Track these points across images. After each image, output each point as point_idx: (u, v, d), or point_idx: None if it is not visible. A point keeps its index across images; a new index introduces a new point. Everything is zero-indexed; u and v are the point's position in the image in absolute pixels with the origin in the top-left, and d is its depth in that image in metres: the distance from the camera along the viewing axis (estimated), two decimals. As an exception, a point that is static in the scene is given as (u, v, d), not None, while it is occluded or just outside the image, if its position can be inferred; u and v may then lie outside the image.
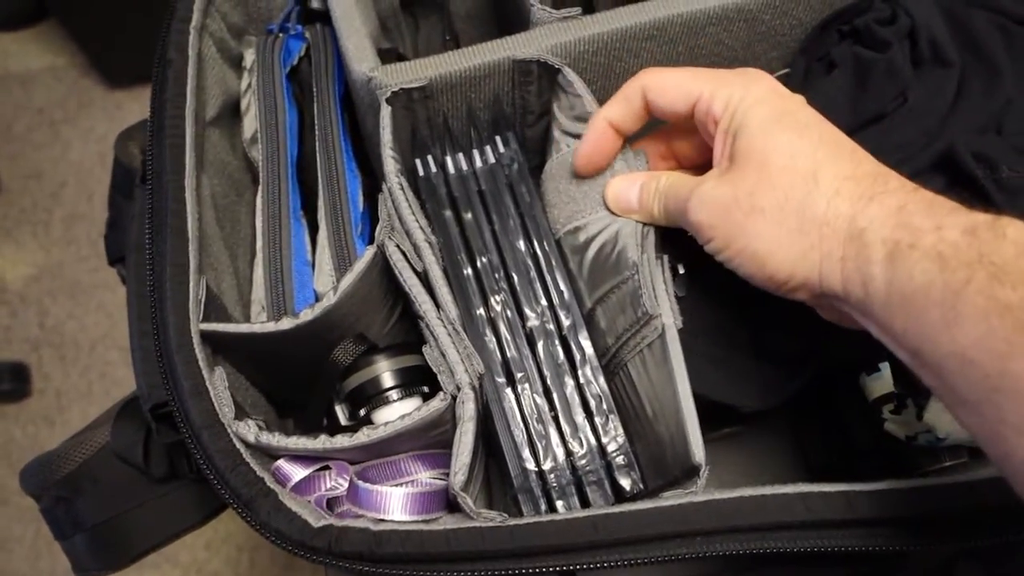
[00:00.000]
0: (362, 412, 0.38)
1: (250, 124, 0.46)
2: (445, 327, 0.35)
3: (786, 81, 0.45)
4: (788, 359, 0.42)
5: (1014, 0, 0.42)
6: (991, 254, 0.26)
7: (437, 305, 0.36)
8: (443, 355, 0.35)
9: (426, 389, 0.39)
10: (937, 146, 0.39)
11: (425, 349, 0.36)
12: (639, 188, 0.37)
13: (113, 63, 1.45)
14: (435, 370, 0.35)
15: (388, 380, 0.38)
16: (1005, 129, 0.40)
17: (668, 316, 0.35)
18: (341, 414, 0.40)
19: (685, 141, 0.39)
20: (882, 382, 0.38)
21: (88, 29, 1.37)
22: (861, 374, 0.39)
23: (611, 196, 0.38)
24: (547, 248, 0.39)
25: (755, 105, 0.33)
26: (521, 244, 0.39)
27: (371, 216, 0.44)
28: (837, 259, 0.30)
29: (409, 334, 0.43)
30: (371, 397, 0.38)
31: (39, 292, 1.37)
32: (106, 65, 1.46)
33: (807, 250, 0.31)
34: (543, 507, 0.36)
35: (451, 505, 0.37)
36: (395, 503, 0.34)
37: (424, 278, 0.36)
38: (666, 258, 0.38)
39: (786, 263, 0.32)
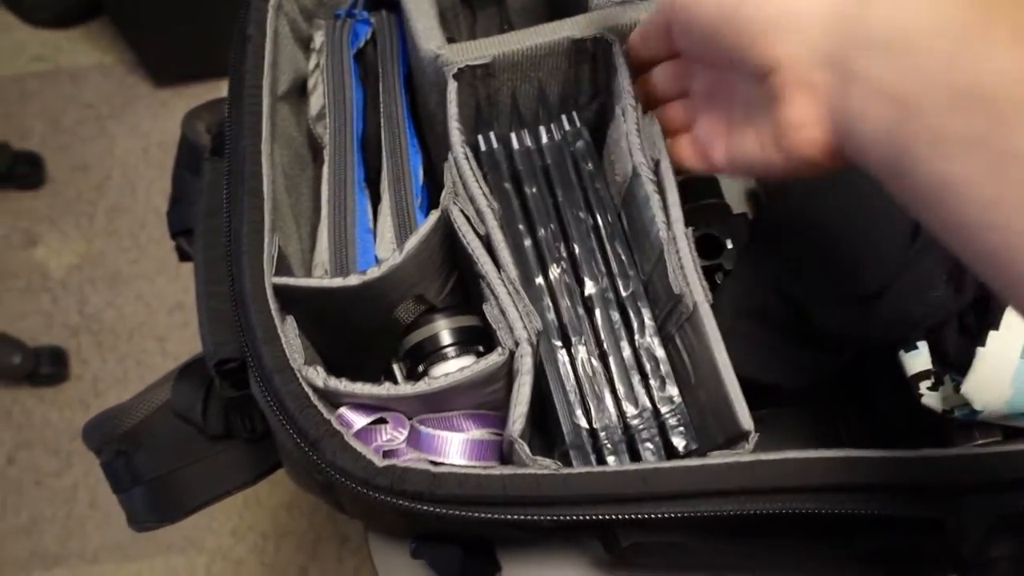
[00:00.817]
0: (420, 368, 0.40)
1: (317, 101, 0.48)
2: (505, 286, 0.37)
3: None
4: (829, 340, 0.43)
5: None
6: None
7: (498, 266, 0.38)
8: (503, 313, 0.37)
9: (481, 348, 0.41)
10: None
11: (485, 307, 0.38)
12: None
13: (159, 62, 1.50)
14: (494, 326, 0.37)
15: (446, 337, 0.40)
16: None
17: (699, 294, 0.37)
18: (399, 372, 0.42)
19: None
20: (921, 359, 0.40)
21: (137, 29, 1.42)
22: (899, 351, 0.41)
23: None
24: (610, 220, 0.41)
25: None
26: (583, 215, 0.41)
27: (429, 192, 0.46)
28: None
29: (464, 303, 0.45)
30: (429, 353, 0.40)
31: (80, 280, 1.40)
32: (153, 64, 1.51)
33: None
34: (593, 462, 0.37)
35: (503, 459, 0.39)
36: (454, 447, 0.35)
37: (486, 241, 0.38)
38: (691, 231, 0.40)
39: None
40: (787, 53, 0.29)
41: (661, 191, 0.39)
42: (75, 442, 1.29)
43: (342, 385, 0.36)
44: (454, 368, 0.37)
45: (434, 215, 0.39)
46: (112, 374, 1.34)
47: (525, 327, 0.36)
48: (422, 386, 0.36)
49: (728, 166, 0.36)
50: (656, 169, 0.39)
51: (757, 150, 0.33)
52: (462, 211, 0.39)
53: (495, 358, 0.36)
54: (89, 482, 1.26)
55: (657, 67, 0.41)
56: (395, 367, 0.42)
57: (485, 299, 0.38)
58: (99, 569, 1.20)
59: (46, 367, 1.31)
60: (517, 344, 0.36)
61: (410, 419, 0.39)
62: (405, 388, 0.36)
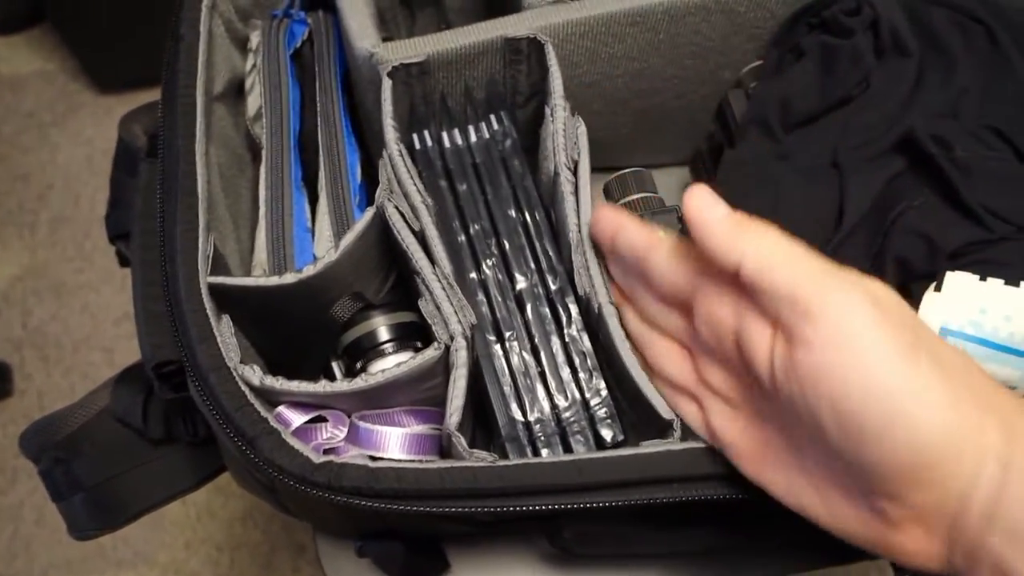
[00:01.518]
0: (358, 365, 0.41)
1: (254, 102, 0.48)
2: (440, 281, 0.37)
3: (760, 72, 0.49)
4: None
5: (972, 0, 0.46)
6: None
7: (432, 262, 0.38)
8: (438, 308, 0.37)
9: (419, 344, 0.41)
10: (897, 129, 0.42)
11: (420, 303, 0.38)
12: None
13: (103, 69, 1.48)
14: (430, 322, 0.37)
15: (384, 334, 0.40)
16: (960, 115, 0.43)
17: (603, 296, 0.38)
18: (337, 370, 0.42)
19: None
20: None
21: (80, 35, 1.39)
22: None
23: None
24: (537, 218, 0.41)
25: None
26: (512, 212, 0.41)
27: (368, 190, 0.46)
28: None
29: (402, 302, 0.46)
30: (367, 350, 0.40)
31: (23, 292, 1.37)
32: (96, 71, 1.48)
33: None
34: (529, 454, 0.38)
35: (443, 452, 0.39)
36: (392, 442, 0.36)
37: (420, 237, 0.39)
38: None
39: None
40: (937, 495, 0.26)
41: (576, 192, 0.39)
42: (20, 459, 1.25)
43: (279, 383, 0.36)
44: (391, 364, 0.38)
45: (369, 212, 0.39)
46: (58, 388, 1.31)
47: (459, 321, 0.36)
48: (359, 382, 0.36)
49: (756, 480, 0.33)
50: (574, 170, 0.40)
51: (818, 506, 0.30)
52: (397, 208, 0.39)
53: (431, 352, 0.36)
54: (35, 500, 1.23)
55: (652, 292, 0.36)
56: (334, 365, 0.42)
57: (420, 295, 0.38)
58: (47, 588, 1.17)
59: (-12, 382, 1.27)
60: (452, 338, 0.36)
61: (350, 416, 0.39)
62: (342, 385, 0.36)
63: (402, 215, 0.39)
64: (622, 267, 0.37)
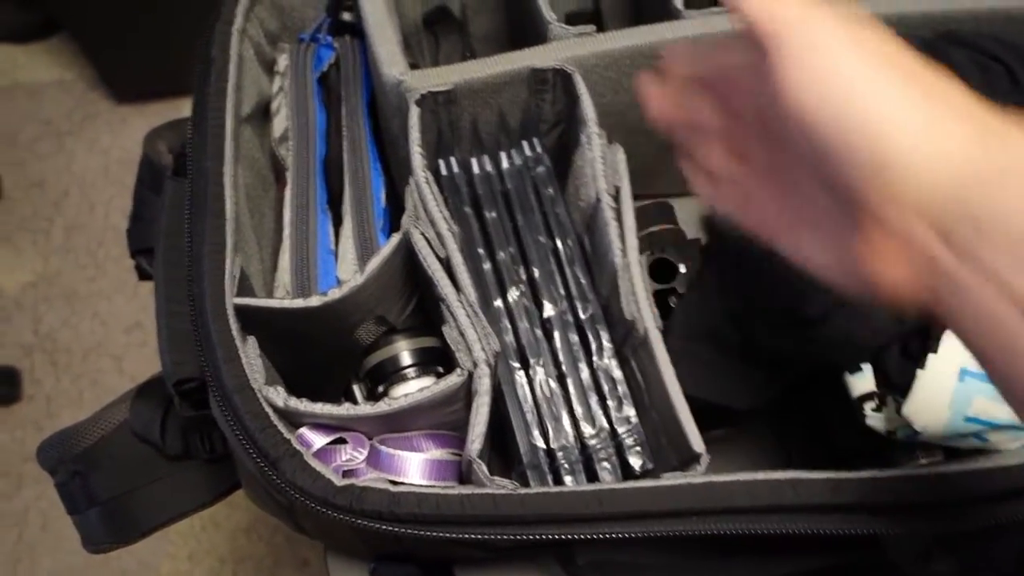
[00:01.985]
0: (380, 388, 0.41)
1: (280, 124, 0.49)
2: (464, 308, 0.38)
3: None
4: (776, 362, 0.45)
5: (992, 40, 0.46)
6: None
7: (457, 289, 0.38)
8: (462, 335, 0.37)
9: (440, 370, 0.42)
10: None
11: (444, 329, 0.38)
12: None
13: (120, 79, 1.49)
14: (453, 348, 0.37)
15: (406, 359, 0.41)
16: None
17: (649, 320, 0.38)
18: (359, 393, 0.42)
19: None
20: (865, 381, 0.41)
21: (98, 45, 1.41)
22: (844, 373, 0.42)
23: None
24: (570, 244, 0.42)
25: None
26: (543, 239, 0.42)
27: (391, 215, 0.47)
28: None
29: (423, 326, 0.46)
30: (390, 374, 0.41)
31: (35, 298, 1.38)
32: (113, 80, 1.50)
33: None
34: (550, 482, 0.38)
35: (462, 478, 0.40)
36: (413, 467, 0.36)
37: (446, 264, 0.39)
38: (645, 258, 0.40)
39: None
40: (900, 195, 0.26)
41: (619, 218, 0.40)
42: (27, 464, 1.26)
43: (302, 405, 0.36)
44: (414, 388, 0.38)
45: (395, 237, 0.40)
46: (66, 394, 1.31)
47: (483, 348, 0.37)
48: (382, 406, 0.36)
49: (792, 250, 0.34)
50: (616, 196, 0.41)
51: (826, 258, 0.31)
52: (423, 234, 0.39)
53: (454, 379, 0.36)
54: (41, 505, 1.23)
55: (692, 96, 0.37)
56: (355, 388, 0.43)
57: (444, 321, 0.38)
58: (49, 595, 1.17)
59: (-2, 387, 1.28)
60: (475, 365, 0.37)
61: (370, 439, 0.40)
62: (365, 408, 0.36)
63: (428, 242, 0.39)
64: (679, 93, 0.37)
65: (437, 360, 0.42)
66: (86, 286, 1.38)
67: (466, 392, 0.38)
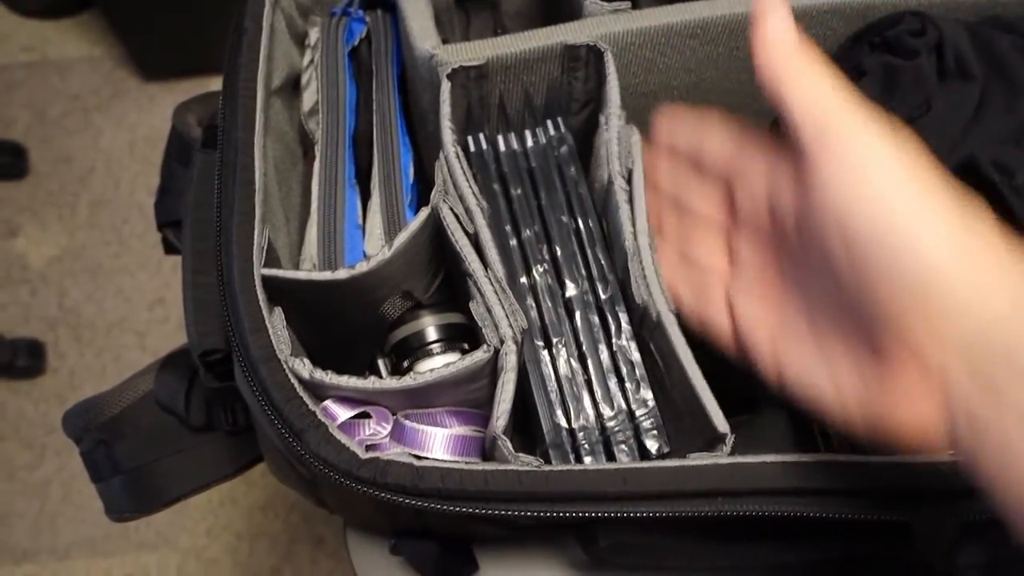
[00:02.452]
0: (405, 364, 0.41)
1: (310, 97, 0.49)
2: (492, 284, 0.37)
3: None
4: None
5: (1037, 27, 0.45)
6: None
7: (485, 265, 0.38)
8: (489, 311, 0.37)
9: (466, 346, 0.42)
10: (958, 154, 0.42)
11: (472, 304, 0.38)
12: None
13: (149, 57, 1.50)
14: (480, 324, 0.37)
15: (432, 334, 0.41)
16: None
17: (661, 304, 0.38)
18: (384, 368, 0.42)
19: None
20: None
21: (127, 22, 1.41)
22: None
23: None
24: (591, 225, 0.41)
25: None
26: (565, 219, 0.41)
27: (419, 190, 0.47)
28: None
29: (449, 302, 0.46)
30: (415, 349, 0.40)
31: (60, 273, 1.39)
32: (142, 58, 1.50)
33: None
34: (572, 461, 0.38)
35: (485, 455, 0.40)
36: (437, 442, 0.36)
37: (474, 240, 0.39)
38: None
39: None
40: (943, 330, 0.25)
41: (631, 200, 0.39)
42: (50, 436, 1.28)
43: (328, 377, 0.36)
44: (439, 364, 0.38)
45: (424, 212, 0.39)
46: (89, 368, 1.33)
47: (511, 325, 0.36)
48: (407, 381, 0.36)
49: (774, 373, 0.33)
50: (629, 178, 0.40)
51: (827, 385, 0.30)
52: (451, 209, 0.39)
53: (480, 355, 0.36)
54: (63, 477, 1.25)
55: (683, 171, 0.38)
56: (380, 362, 0.42)
57: (472, 297, 0.38)
58: (69, 565, 1.19)
59: (22, 360, 1.29)
60: (502, 341, 0.36)
61: (394, 414, 0.40)
62: (392, 382, 0.36)
63: (456, 217, 0.39)
64: (674, 163, 0.38)
65: (463, 336, 0.42)
66: (111, 262, 1.40)
67: (492, 369, 0.38)
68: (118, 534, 1.19)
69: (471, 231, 0.39)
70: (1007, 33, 0.45)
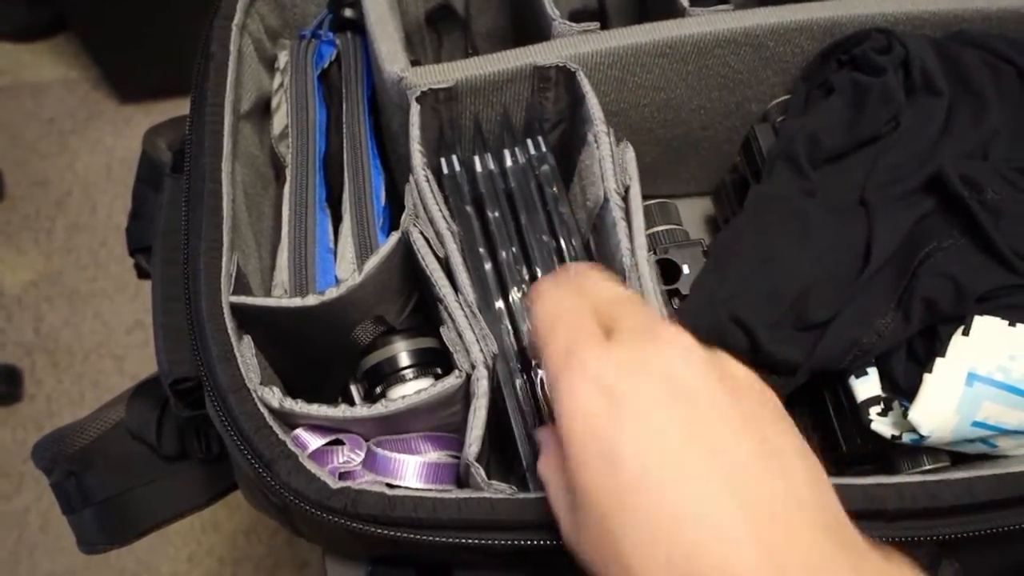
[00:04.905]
0: (378, 389, 0.40)
1: (280, 121, 0.48)
2: (463, 309, 0.37)
3: (787, 106, 0.49)
4: (779, 365, 0.44)
5: (1003, 41, 0.46)
6: None
7: (456, 289, 0.38)
8: (460, 336, 0.37)
9: (439, 371, 0.41)
10: (926, 169, 0.42)
11: (442, 330, 0.38)
12: None
13: (125, 79, 1.49)
14: (451, 349, 0.37)
15: (405, 359, 0.40)
16: (991, 156, 0.43)
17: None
18: (356, 393, 0.42)
19: None
20: (870, 385, 0.41)
21: (103, 44, 1.41)
22: (849, 377, 0.41)
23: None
24: (574, 243, 0.41)
25: None
26: (546, 238, 0.41)
27: (391, 213, 0.46)
28: None
29: (422, 326, 0.45)
30: (388, 375, 0.40)
31: (37, 298, 1.38)
32: (118, 80, 1.50)
33: None
34: (548, 486, 0.37)
35: (460, 482, 0.39)
36: (410, 470, 0.35)
37: (445, 264, 0.39)
38: (652, 257, 0.40)
39: None
40: None
41: (628, 217, 0.39)
42: (27, 464, 1.25)
43: (298, 406, 0.36)
44: (411, 390, 0.37)
45: (394, 236, 0.39)
46: (67, 394, 1.31)
47: (481, 350, 0.36)
48: (379, 408, 0.36)
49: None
50: (625, 196, 0.40)
51: None
52: (422, 233, 0.39)
53: (452, 381, 0.36)
54: (41, 506, 1.23)
55: None
56: (352, 388, 0.42)
57: (442, 322, 0.38)
58: (48, 595, 1.17)
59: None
60: (473, 367, 0.36)
61: (367, 441, 0.39)
62: (362, 410, 0.36)
63: (427, 241, 0.39)
64: None
65: (436, 361, 0.41)
66: (88, 286, 1.38)
67: (464, 394, 0.37)
68: (98, 564, 1.17)
69: (442, 255, 0.39)
70: (973, 48, 0.46)
